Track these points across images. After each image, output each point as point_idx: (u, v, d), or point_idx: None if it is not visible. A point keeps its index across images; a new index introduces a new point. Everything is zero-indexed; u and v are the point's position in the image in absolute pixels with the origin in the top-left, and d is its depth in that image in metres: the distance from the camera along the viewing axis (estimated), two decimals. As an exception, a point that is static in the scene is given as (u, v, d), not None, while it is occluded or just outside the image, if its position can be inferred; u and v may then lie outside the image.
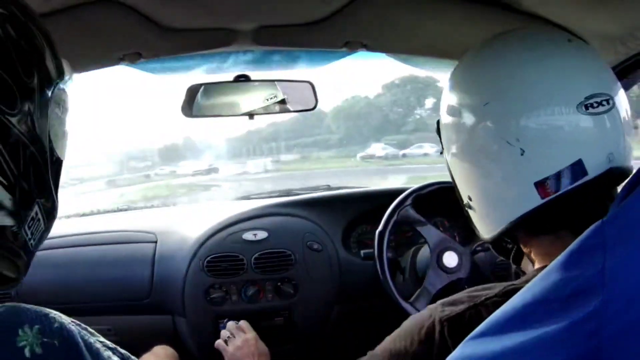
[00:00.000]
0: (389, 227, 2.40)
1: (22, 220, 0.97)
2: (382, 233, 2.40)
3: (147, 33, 1.86)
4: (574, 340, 0.87)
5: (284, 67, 2.53)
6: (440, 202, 2.53)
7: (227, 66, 2.39)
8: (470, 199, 1.27)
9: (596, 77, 1.14)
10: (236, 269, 2.58)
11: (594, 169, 1.10)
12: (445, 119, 1.30)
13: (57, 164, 1.08)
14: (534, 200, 1.13)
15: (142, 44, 1.95)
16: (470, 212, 1.30)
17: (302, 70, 2.57)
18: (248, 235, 2.65)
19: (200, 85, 2.27)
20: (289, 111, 2.38)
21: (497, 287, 1.18)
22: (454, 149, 1.28)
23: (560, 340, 0.88)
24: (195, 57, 2.24)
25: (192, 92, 2.25)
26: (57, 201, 1.10)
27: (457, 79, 1.30)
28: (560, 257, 0.94)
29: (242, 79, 2.24)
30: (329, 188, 3.37)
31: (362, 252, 2.57)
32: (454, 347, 1.03)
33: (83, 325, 1.02)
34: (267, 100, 2.31)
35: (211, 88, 2.28)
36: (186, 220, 2.90)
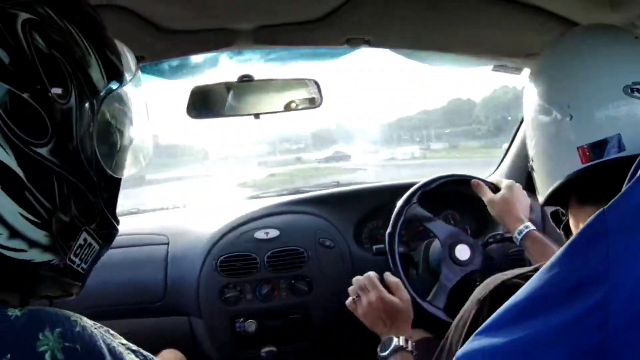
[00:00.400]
0: (398, 226, 2.39)
1: (65, 251, 0.92)
2: (391, 233, 2.39)
3: (148, 36, 1.86)
4: (580, 333, 0.87)
5: (288, 66, 2.53)
6: (449, 195, 2.52)
7: (230, 66, 2.39)
8: (532, 160, 1.37)
9: None
10: (249, 268, 2.59)
11: (632, 147, 1.17)
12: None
13: (112, 183, 1.02)
14: (577, 164, 1.21)
15: (143, 46, 1.94)
16: (534, 174, 1.39)
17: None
18: (260, 234, 2.66)
19: (205, 86, 2.27)
20: (295, 110, 2.37)
21: (532, 267, 1.28)
22: (524, 113, 1.40)
23: (566, 333, 0.87)
24: (198, 59, 2.24)
25: (197, 93, 2.24)
26: (115, 220, 1.05)
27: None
28: (563, 248, 0.93)
29: (246, 79, 2.23)
30: (338, 184, 3.36)
31: (374, 247, 2.57)
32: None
33: (105, 327, 0.99)
34: (272, 99, 2.30)
35: (216, 89, 2.27)
36: (197, 221, 2.91)
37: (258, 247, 2.63)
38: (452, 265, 2.34)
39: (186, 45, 2.00)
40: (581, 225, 1.17)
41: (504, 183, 2.28)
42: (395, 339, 1.82)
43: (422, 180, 2.48)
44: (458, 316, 1.31)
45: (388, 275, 2.04)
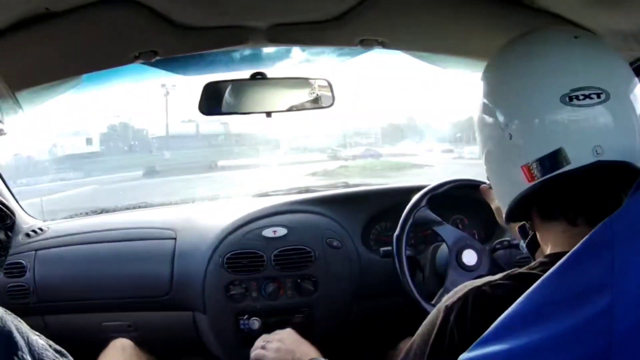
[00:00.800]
0: (406, 229, 2.39)
1: None
2: (399, 236, 2.38)
3: (162, 31, 1.87)
4: (585, 339, 0.88)
5: (301, 65, 2.53)
6: (458, 200, 2.52)
7: (243, 63, 2.39)
8: (486, 171, 1.32)
9: (590, 70, 1.14)
10: (256, 266, 2.60)
11: (577, 159, 1.10)
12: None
13: None
14: (524, 183, 1.16)
15: (158, 42, 1.95)
16: (492, 187, 1.34)
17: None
18: (268, 232, 2.66)
19: (217, 82, 2.26)
20: (307, 109, 2.37)
21: (509, 275, 1.19)
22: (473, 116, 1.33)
23: (572, 338, 0.89)
24: (211, 55, 2.24)
25: (209, 89, 2.24)
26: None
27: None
28: (569, 255, 0.94)
29: (259, 76, 2.23)
30: (347, 185, 3.36)
31: (381, 249, 2.56)
32: (462, 333, 1.09)
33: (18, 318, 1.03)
34: (284, 98, 2.30)
35: (228, 86, 2.27)
36: (205, 216, 2.91)
37: (265, 245, 2.63)
38: (458, 270, 2.34)
39: (200, 41, 2.00)
40: (549, 242, 1.19)
41: None
42: None
43: (432, 183, 2.47)
44: (424, 323, 1.26)
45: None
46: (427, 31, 2.02)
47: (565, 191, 1.13)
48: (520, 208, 1.22)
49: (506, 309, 0.99)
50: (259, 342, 2.09)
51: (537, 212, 1.22)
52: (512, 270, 1.19)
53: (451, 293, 1.22)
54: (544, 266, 1.07)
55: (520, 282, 1.07)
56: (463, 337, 1.08)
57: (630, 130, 1.13)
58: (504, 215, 1.27)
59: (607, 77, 1.14)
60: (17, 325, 0.98)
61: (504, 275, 1.18)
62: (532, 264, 1.20)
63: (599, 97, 1.11)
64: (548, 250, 1.21)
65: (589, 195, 1.12)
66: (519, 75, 1.19)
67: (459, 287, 1.22)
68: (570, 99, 1.10)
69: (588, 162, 1.09)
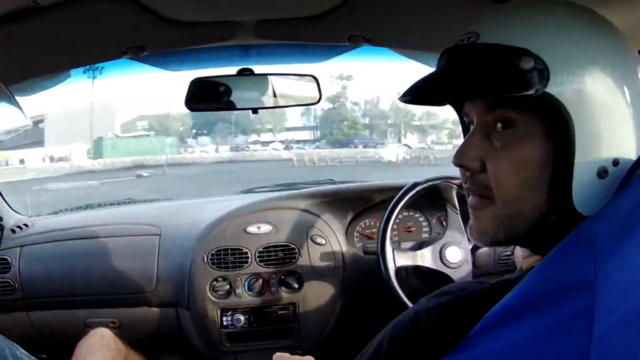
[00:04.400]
0: (390, 226, 2.40)
1: None
2: (383, 233, 2.39)
3: (150, 26, 1.86)
4: (566, 337, 0.88)
5: (288, 61, 2.53)
6: (443, 197, 2.54)
7: (231, 59, 2.39)
8: (615, 163, 1.00)
9: None
10: (240, 262, 2.60)
11: None
12: None
13: None
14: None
15: (145, 37, 1.95)
16: (599, 180, 1.01)
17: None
18: (252, 229, 2.66)
19: (204, 78, 2.27)
20: (293, 105, 2.38)
21: (491, 281, 1.12)
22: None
23: (552, 337, 0.89)
24: (199, 51, 2.24)
25: (196, 85, 2.24)
26: None
27: None
28: (552, 253, 0.94)
29: (246, 72, 2.23)
30: (332, 182, 3.37)
31: (365, 246, 2.58)
32: (441, 338, 1.04)
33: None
34: (271, 93, 2.31)
35: (215, 81, 2.27)
36: (190, 213, 2.92)
37: (250, 242, 2.63)
38: (442, 268, 2.36)
39: (188, 36, 1.99)
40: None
41: None
42: None
43: (417, 180, 2.48)
44: (398, 323, 1.17)
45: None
46: (414, 29, 2.02)
47: None
48: None
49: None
50: None
51: None
52: (502, 278, 1.13)
53: (433, 294, 1.17)
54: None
55: (509, 289, 0.99)
56: (441, 342, 1.04)
57: None
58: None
59: None
60: (14, 352, 0.97)
61: (494, 283, 1.11)
62: (520, 269, 1.16)
63: None
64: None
65: None
66: None
67: (443, 289, 1.17)
68: None
69: None
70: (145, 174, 28.66)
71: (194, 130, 52.95)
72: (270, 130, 50.34)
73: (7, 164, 36.09)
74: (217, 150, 46.17)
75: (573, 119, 0.96)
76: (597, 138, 0.98)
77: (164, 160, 36.88)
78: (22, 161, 38.66)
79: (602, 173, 0.99)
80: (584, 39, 1.01)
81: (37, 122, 45.06)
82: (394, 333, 1.17)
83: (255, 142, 50.69)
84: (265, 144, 48.66)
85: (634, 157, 1.00)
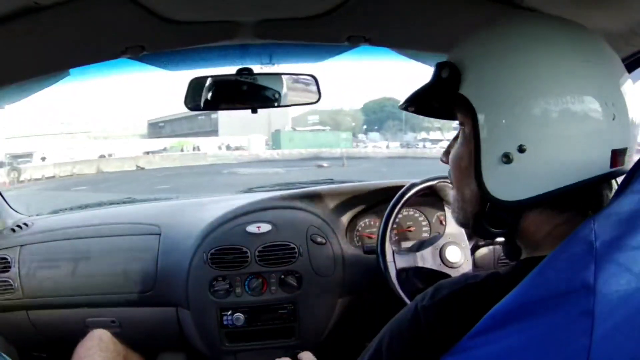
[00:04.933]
0: (389, 225, 2.40)
1: None
2: (382, 232, 2.40)
3: (150, 26, 1.86)
4: (566, 338, 0.89)
5: (287, 61, 2.53)
6: (442, 197, 2.54)
7: (230, 59, 2.39)
8: (521, 149, 1.11)
9: None
10: (240, 262, 2.60)
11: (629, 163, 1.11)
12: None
13: None
14: (604, 167, 1.10)
15: (145, 36, 1.95)
16: (506, 166, 1.13)
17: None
18: (252, 228, 2.66)
19: (204, 78, 2.27)
20: (293, 105, 2.38)
21: (482, 275, 1.16)
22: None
23: (552, 338, 0.89)
24: (198, 50, 2.24)
25: (195, 84, 2.25)
26: None
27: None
28: (553, 253, 0.95)
29: (246, 72, 2.23)
30: (332, 181, 3.37)
31: (365, 246, 2.58)
32: (440, 336, 1.07)
33: None
34: (271, 93, 2.31)
35: (214, 81, 2.28)
36: (190, 212, 2.92)
37: (249, 241, 2.63)
38: (442, 267, 2.36)
39: (187, 36, 1.99)
40: (542, 229, 1.16)
41: None
42: None
43: (415, 180, 2.49)
44: (398, 320, 1.22)
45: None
46: (413, 29, 2.03)
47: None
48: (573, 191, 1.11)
49: (485, 310, 0.99)
50: None
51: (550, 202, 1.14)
52: (493, 270, 1.17)
53: (429, 292, 1.19)
54: (526, 268, 1.02)
55: (501, 284, 1.05)
56: (440, 338, 1.07)
57: None
58: (530, 195, 1.12)
59: None
60: None
61: (485, 276, 1.14)
62: (512, 265, 1.19)
63: None
64: (540, 244, 1.16)
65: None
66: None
67: (437, 285, 1.19)
68: None
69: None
70: (325, 165, 30.16)
71: (364, 126, 54.11)
72: (439, 128, 50.79)
73: (182, 150, 42.15)
74: (387, 147, 48.27)
75: (477, 112, 1.14)
76: (498, 127, 1.12)
77: (339, 153, 38.60)
78: (196, 148, 43.03)
79: (505, 158, 1.11)
80: (490, 45, 1.19)
81: (211, 113, 49.88)
82: (393, 332, 1.20)
83: (424, 140, 52.07)
84: (434, 141, 49.03)
85: (544, 146, 1.10)
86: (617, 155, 1.10)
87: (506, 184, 1.13)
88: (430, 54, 2.23)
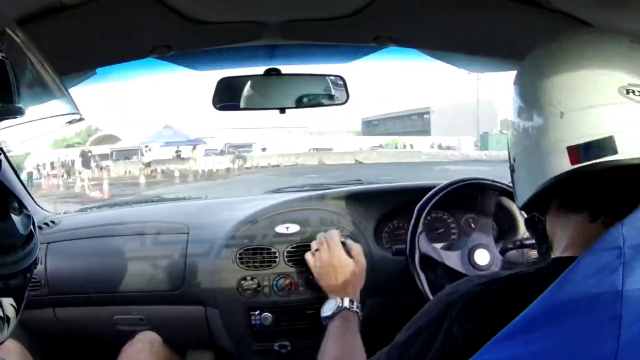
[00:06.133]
0: (419, 227, 2.38)
1: None
2: (412, 234, 2.38)
3: (176, 26, 1.87)
4: (594, 343, 0.88)
5: (315, 61, 2.53)
6: (471, 199, 2.51)
7: (257, 59, 2.40)
8: (514, 160, 1.30)
9: None
10: (268, 262, 2.61)
11: (625, 151, 1.09)
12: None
13: None
14: (565, 165, 1.13)
15: (171, 37, 1.96)
16: (514, 175, 1.33)
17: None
18: (281, 229, 2.67)
19: (232, 78, 2.28)
20: (321, 105, 2.37)
21: (506, 273, 1.19)
22: (510, 111, 1.32)
23: (580, 343, 0.89)
24: (225, 50, 2.24)
25: (223, 84, 2.26)
26: None
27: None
28: (582, 257, 0.94)
29: (273, 72, 2.23)
30: (360, 182, 3.36)
31: (394, 247, 2.56)
32: (465, 331, 1.09)
33: None
34: (299, 94, 2.30)
35: (242, 81, 2.28)
36: (218, 212, 2.94)
37: (278, 241, 2.64)
38: (470, 270, 2.33)
39: (213, 36, 2.00)
40: (559, 233, 1.18)
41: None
42: (338, 300, 2.00)
43: (445, 182, 2.47)
44: (423, 315, 1.24)
45: (349, 241, 2.25)
46: (439, 29, 2.01)
47: (600, 183, 1.12)
48: (545, 196, 1.20)
49: (512, 308, 0.99)
50: (314, 244, 2.31)
51: (557, 203, 1.21)
52: (520, 269, 1.19)
53: (453, 287, 1.22)
54: (553, 267, 1.06)
55: (527, 282, 1.08)
56: (467, 336, 1.08)
57: None
58: (522, 202, 1.27)
59: None
60: None
61: (511, 274, 1.17)
62: (538, 264, 1.20)
63: None
64: (560, 246, 1.20)
65: (623, 190, 1.11)
66: (581, 65, 1.18)
67: (462, 281, 1.22)
68: (627, 92, 1.10)
69: (636, 157, 1.09)
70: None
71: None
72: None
73: (395, 147, 44.72)
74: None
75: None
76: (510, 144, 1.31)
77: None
78: (410, 146, 45.39)
79: (511, 168, 1.32)
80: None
81: (423, 114, 55.91)
82: (421, 326, 1.22)
83: None
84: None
85: (525, 158, 1.25)
86: (576, 151, 1.12)
87: (517, 190, 1.31)
88: (456, 55, 2.21)
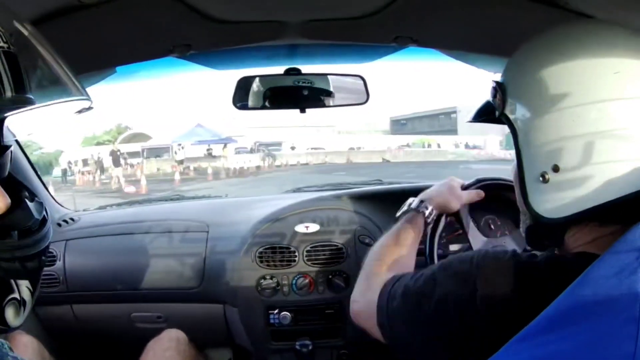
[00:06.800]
0: (438, 228, 2.36)
1: None
2: (431, 235, 2.36)
3: (197, 25, 1.88)
4: (613, 344, 0.88)
5: (335, 61, 2.53)
6: (491, 200, 2.49)
7: (277, 59, 2.40)
8: (556, 170, 1.16)
9: None
10: (288, 261, 2.61)
11: None
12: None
13: None
14: None
15: (192, 36, 1.97)
16: (542, 185, 1.19)
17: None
18: (300, 228, 2.67)
19: (252, 77, 2.28)
20: (341, 105, 2.37)
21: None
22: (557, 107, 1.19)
23: (599, 344, 0.89)
24: (245, 50, 2.25)
25: (244, 84, 2.26)
26: None
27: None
28: (602, 258, 0.96)
29: (293, 72, 2.24)
30: (380, 182, 3.35)
31: None
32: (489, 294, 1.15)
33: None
34: (319, 93, 2.30)
35: (262, 80, 2.29)
36: (237, 211, 2.95)
37: (297, 241, 2.64)
38: None
39: (233, 35, 2.01)
40: (578, 238, 1.18)
41: None
42: (410, 199, 2.07)
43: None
44: (447, 273, 1.30)
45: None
46: (460, 30, 2.01)
47: None
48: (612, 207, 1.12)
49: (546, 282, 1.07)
50: None
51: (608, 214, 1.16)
52: (548, 251, 1.25)
53: (481, 254, 1.27)
54: (579, 259, 1.09)
55: (557, 264, 1.14)
56: (494, 306, 1.15)
57: None
58: (568, 214, 1.16)
59: None
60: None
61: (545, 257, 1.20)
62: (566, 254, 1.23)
63: None
64: (576, 245, 1.21)
65: None
66: None
67: (487, 250, 1.37)
68: None
69: None
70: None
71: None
72: None
73: (423, 146, 45.75)
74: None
75: (519, 132, 1.24)
76: (536, 148, 1.20)
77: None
78: (437, 145, 46.48)
79: (543, 177, 1.18)
80: (533, 71, 1.22)
81: (450, 113, 56.16)
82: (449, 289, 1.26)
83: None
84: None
85: (577, 165, 1.13)
86: None
87: (547, 202, 1.19)
88: (477, 56, 2.20)
